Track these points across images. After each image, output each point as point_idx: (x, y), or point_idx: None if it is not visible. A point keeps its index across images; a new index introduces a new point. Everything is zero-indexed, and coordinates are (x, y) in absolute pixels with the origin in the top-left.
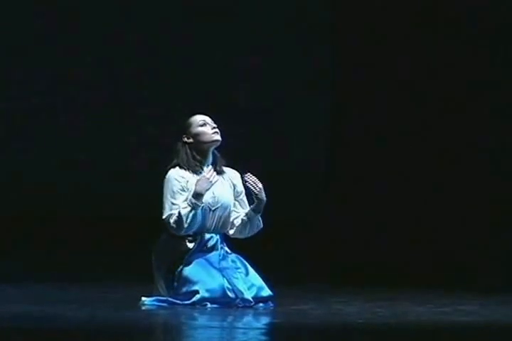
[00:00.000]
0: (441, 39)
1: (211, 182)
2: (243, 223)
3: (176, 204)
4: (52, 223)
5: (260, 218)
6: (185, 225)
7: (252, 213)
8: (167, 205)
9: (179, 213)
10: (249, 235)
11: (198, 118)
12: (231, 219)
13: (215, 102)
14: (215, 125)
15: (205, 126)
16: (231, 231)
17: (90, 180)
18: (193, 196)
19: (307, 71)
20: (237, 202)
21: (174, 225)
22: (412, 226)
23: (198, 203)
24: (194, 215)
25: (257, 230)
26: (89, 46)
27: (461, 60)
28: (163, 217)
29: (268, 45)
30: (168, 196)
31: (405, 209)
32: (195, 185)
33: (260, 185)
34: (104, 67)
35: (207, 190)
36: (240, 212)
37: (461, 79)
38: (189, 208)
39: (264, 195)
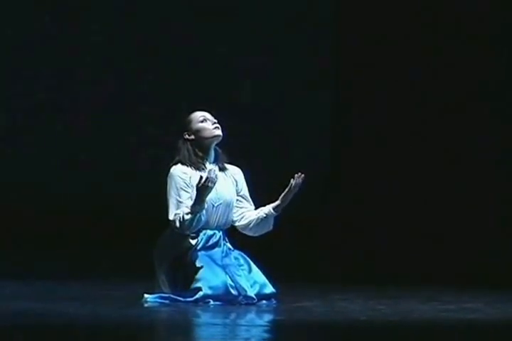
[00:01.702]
0: (441, 39)
1: (212, 187)
2: (259, 219)
3: (182, 202)
4: (53, 222)
5: (273, 220)
6: (190, 229)
7: (272, 211)
8: (172, 204)
9: (183, 218)
10: (257, 234)
11: (198, 115)
12: (239, 213)
13: (215, 102)
14: (215, 120)
15: (205, 122)
16: (240, 224)
17: (91, 179)
18: (194, 202)
19: (307, 71)
20: (240, 197)
21: (179, 226)
22: (413, 224)
23: (200, 209)
24: (199, 219)
25: (266, 231)
26: (90, 46)
27: (461, 59)
28: (170, 217)
29: (268, 45)
30: (173, 193)
31: (406, 209)
32: (196, 190)
33: (296, 190)
34: (104, 67)
35: (207, 195)
36: (247, 207)
37: (461, 79)
38: (191, 215)
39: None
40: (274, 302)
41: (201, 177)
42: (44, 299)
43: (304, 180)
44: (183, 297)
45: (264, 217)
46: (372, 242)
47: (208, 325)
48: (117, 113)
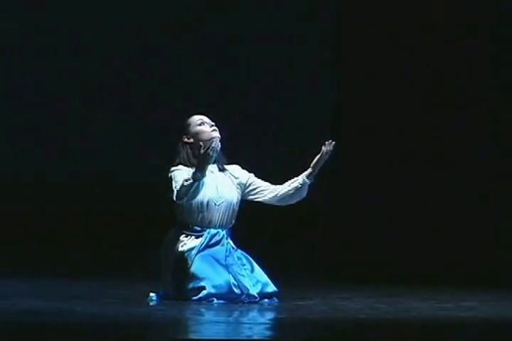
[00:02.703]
0: (442, 39)
1: (213, 156)
2: (293, 189)
3: (180, 181)
4: (61, 220)
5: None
6: (187, 194)
7: (306, 180)
8: (174, 187)
9: (182, 184)
10: (289, 203)
11: (196, 118)
12: (268, 190)
13: (215, 103)
14: (213, 123)
15: (203, 125)
16: (274, 196)
17: (102, 177)
18: (195, 170)
19: (307, 71)
20: (256, 183)
21: (177, 194)
22: (413, 224)
23: (200, 176)
24: (197, 187)
25: (299, 199)
26: (92, 46)
27: (462, 59)
28: (174, 197)
29: (268, 44)
30: (175, 179)
31: (405, 208)
32: (198, 158)
33: (326, 157)
34: (107, 67)
35: (208, 163)
36: (267, 185)
37: (462, 79)
38: (191, 181)
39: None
40: (276, 300)
41: (203, 146)
42: (50, 297)
43: (335, 147)
44: (188, 295)
45: (300, 187)
46: (372, 242)
47: (211, 323)
48: (120, 113)
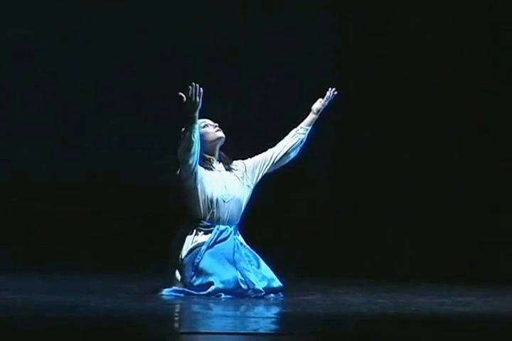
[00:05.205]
0: (442, 39)
1: (197, 101)
2: (301, 140)
3: None
4: (73, 219)
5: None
6: (188, 144)
7: (307, 127)
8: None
9: (181, 138)
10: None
11: (199, 121)
12: (278, 152)
13: (217, 103)
14: (216, 124)
15: (207, 127)
16: (284, 158)
17: (117, 175)
18: (186, 117)
19: (307, 71)
20: (265, 158)
21: (181, 152)
22: (411, 222)
23: (192, 122)
24: (193, 134)
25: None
26: (97, 48)
27: (462, 59)
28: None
29: (268, 45)
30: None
31: (406, 207)
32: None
33: (326, 103)
34: (116, 69)
35: (196, 108)
36: (271, 155)
37: (462, 79)
38: (187, 131)
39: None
40: (281, 295)
41: (183, 95)
42: (65, 293)
43: (337, 94)
44: (197, 291)
45: (303, 138)
46: (372, 240)
47: (219, 317)
48: (125, 115)
